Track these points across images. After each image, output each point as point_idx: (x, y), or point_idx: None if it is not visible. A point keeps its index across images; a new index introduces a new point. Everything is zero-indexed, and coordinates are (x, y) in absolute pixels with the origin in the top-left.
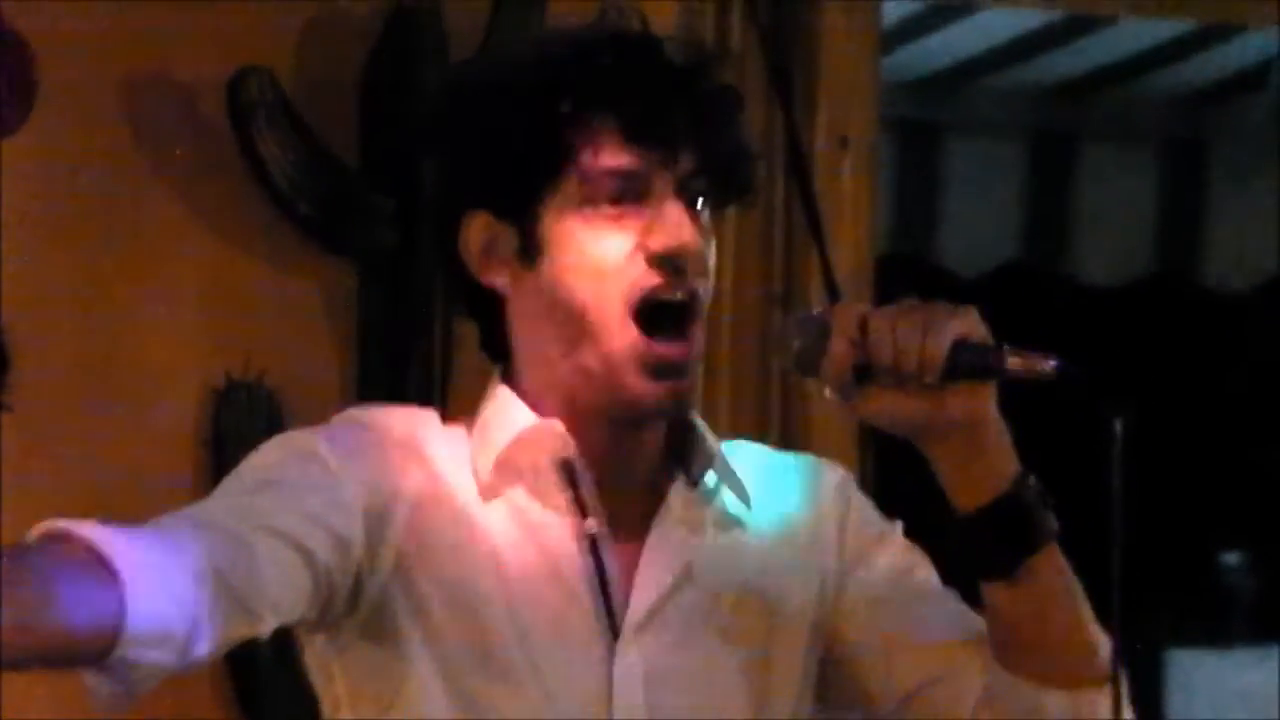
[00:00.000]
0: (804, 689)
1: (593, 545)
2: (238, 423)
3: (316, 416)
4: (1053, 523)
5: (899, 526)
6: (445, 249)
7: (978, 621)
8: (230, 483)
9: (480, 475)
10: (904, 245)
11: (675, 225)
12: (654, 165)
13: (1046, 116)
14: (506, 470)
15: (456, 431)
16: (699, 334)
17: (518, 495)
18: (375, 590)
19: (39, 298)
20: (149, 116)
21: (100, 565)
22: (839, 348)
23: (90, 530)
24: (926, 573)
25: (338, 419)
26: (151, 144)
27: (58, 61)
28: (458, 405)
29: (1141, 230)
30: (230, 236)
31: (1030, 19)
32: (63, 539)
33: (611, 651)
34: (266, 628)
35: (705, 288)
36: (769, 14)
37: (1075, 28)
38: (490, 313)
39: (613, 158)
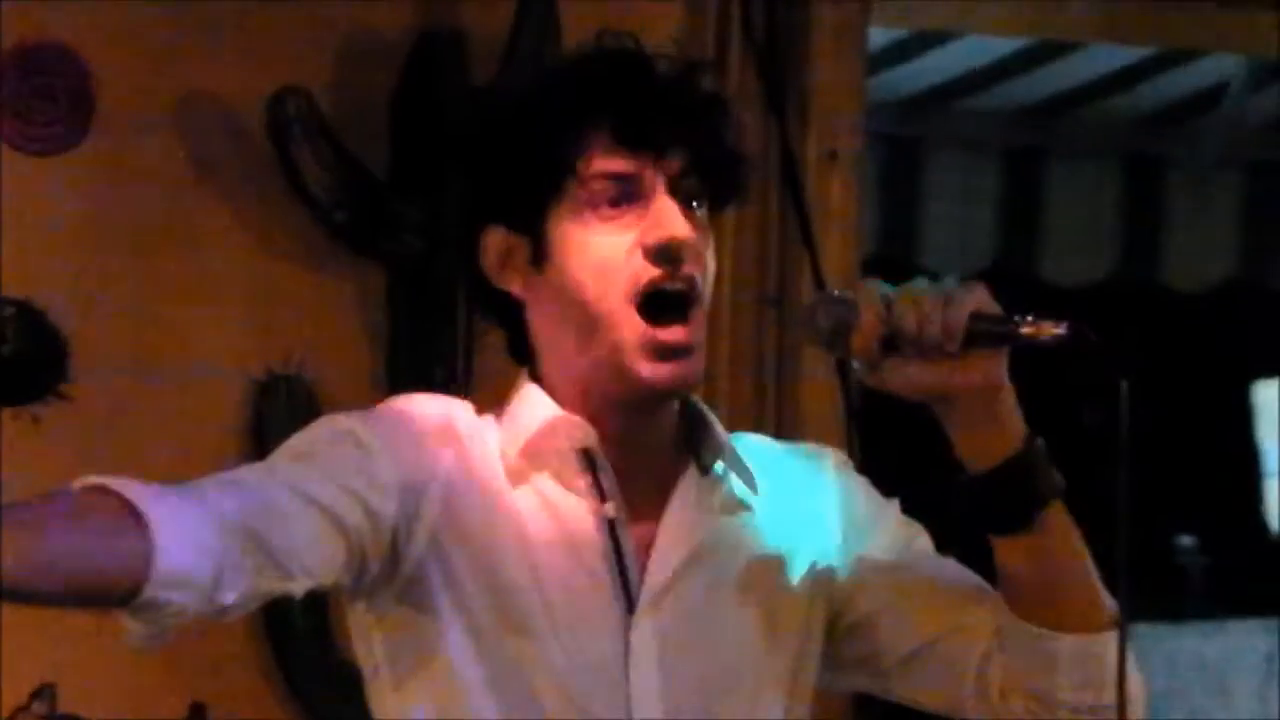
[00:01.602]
0: (806, 658)
1: (611, 527)
2: (277, 412)
3: (350, 406)
4: (1060, 479)
5: (896, 503)
6: (468, 263)
7: (979, 581)
8: (272, 457)
9: (508, 461)
10: (888, 250)
11: (668, 220)
12: (646, 167)
13: (1018, 134)
14: (532, 457)
15: (487, 420)
16: (700, 320)
17: (542, 480)
18: (411, 562)
19: (95, 297)
20: (196, 132)
21: (131, 513)
22: (869, 321)
23: (123, 483)
24: (925, 542)
25: (381, 406)
26: (198, 157)
27: (113, 83)
28: (481, 397)
29: (1105, 237)
30: (270, 242)
31: (1004, 46)
32: (99, 490)
33: (627, 623)
34: (299, 586)
35: (703, 277)
36: (765, 39)
37: (1045, 53)
38: (512, 318)
39: (606, 163)
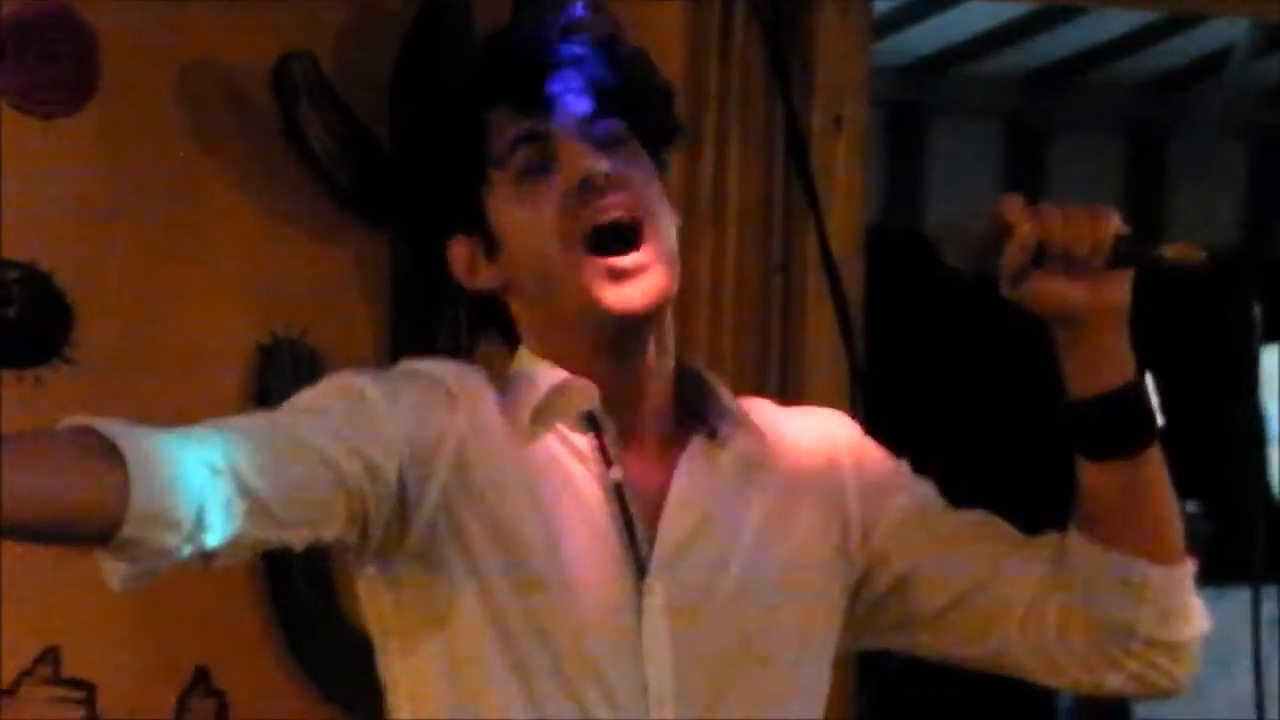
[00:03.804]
0: (822, 620)
1: (618, 491)
2: (281, 378)
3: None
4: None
5: (905, 462)
6: (446, 280)
7: (1009, 527)
8: (280, 408)
9: (518, 424)
10: (892, 216)
11: (577, 158)
12: (551, 126)
13: (1022, 99)
14: (540, 421)
15: (489, 383)
16: (655, 243)
17: (550, 443)
18: (423, 522)
19: (98, 263)
20: (199, 97)
21: (111, 453)
22: (1024, 230)
23: (106, 423)
24: (938, 496)
25: (396, 366)
26: (202, 122)
27: (117, 47)
28: (485, 363)
29: (1111, 204)
30: (274, 207)
31: (1007, 10)
32: (81, 429)
33: (639, 589)
34: (294, 537)
35: (642, 205)
36: (769, 7)
37: (1049, 18)
38: (500, 313)
39: (510, 131)
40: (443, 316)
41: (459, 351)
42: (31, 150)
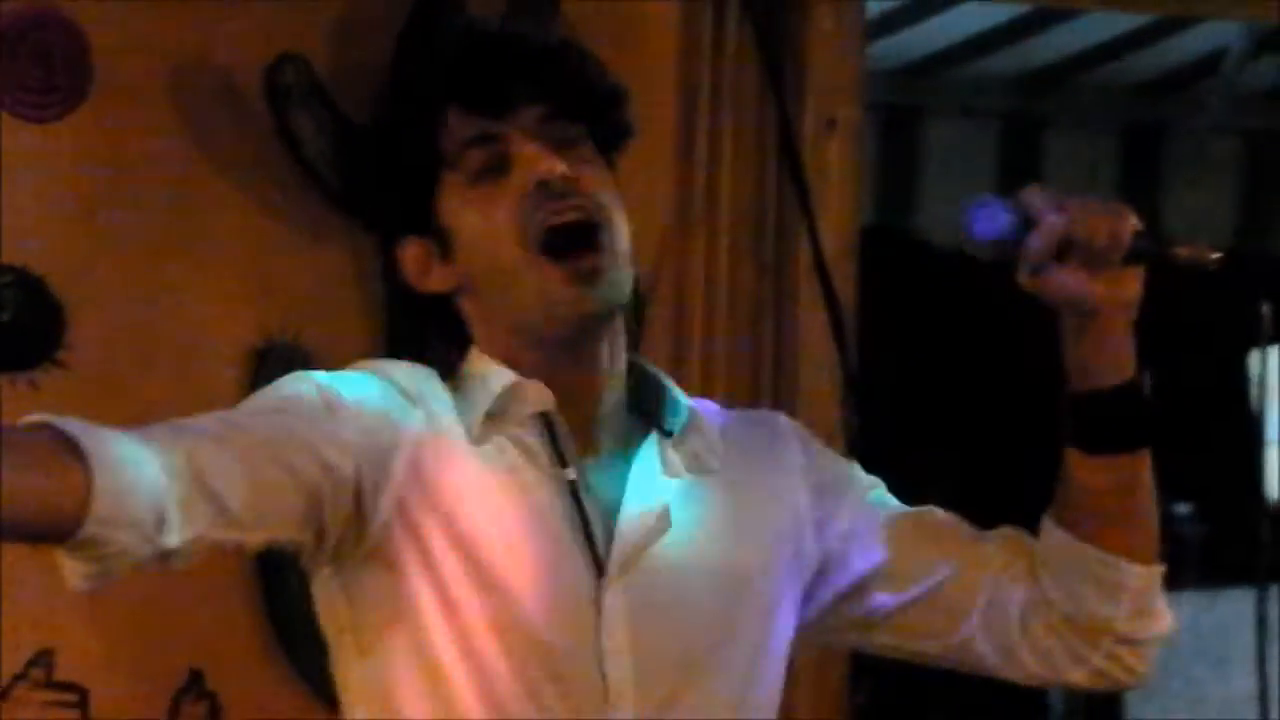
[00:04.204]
0: (780, 616)
1: (573, 491)
2: (275, 379)
3: None
4: None
5: (855, 463)
6: (396, 282)
7: (968, 525)
8: (235, 408)
9: (470, 426)
10: (886, 218)
11: (534, 161)
12: (503, 126)
13: (1016, 101)
14: (495, 421)
15: (442, 384)
16: (611, 244)
17: (504, 444)
18: (378, 524)
19: (91, 264)
20: (193, 98)
21: (72, 451)
22: (1052, 222)
23: (67, 422)
24: (891, 497)
25: (350, 367)
26: (195, 123)
27: (110, 48)
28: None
29: None
30: (267, 208)
31: (1001, 12)
32: (41, 426)
33: (597, 590)
34: (253, 537)
35: (598, 206)
36: (763, 11)
37: (1043, 20)
38: (447, 315)
39: (462, 133)
40: (434, 320)
41: (452, 353)
42: (25, 153)
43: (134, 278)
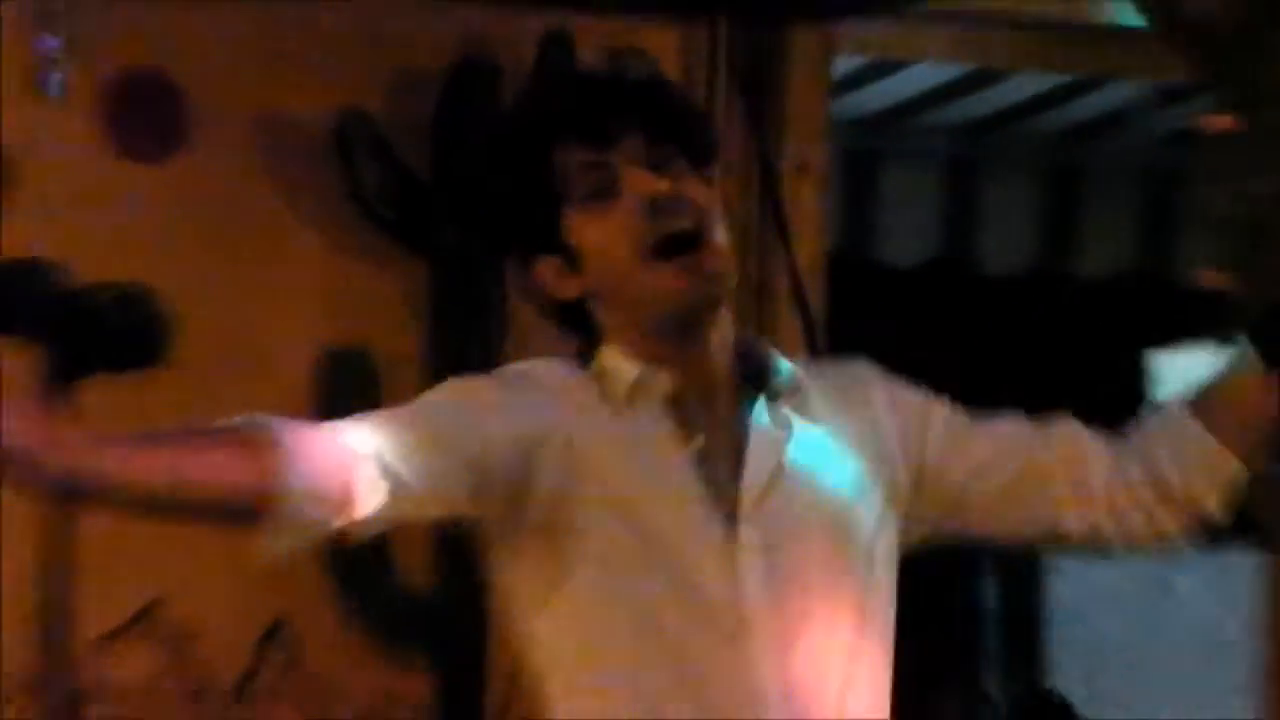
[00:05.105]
0: (885, 537)
1: (701, 458)
2: (341, 382)
3: (402, 376)
4: None
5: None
6: (534, 296)
7: (1029, 422)
8: (406, 406)
9: (611, 410)
10: (850, 246)
11: (639, 182)
12: (612, 154)
13: (958, 147)
14: (631, 404)
15: (584, 376)
16: (715, 247)
17: (640, 424)
18: (539, 499)
19: (189, 285)
20: (272, 143)
21: (268, 440)
22: None
23: (262, 417)
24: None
25: (500, 370)
26: (275, 165)
27: (203, 103)
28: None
29: (1030, 234)
30: (334, 238)
31: (946, 72)
32: (237, 424)
33: (731, 533)
34: (427, 512)
35: (705, 216)
36: (746, 67)
37: (980, 79)
38: (581, 318)
39: (578, 161)
40: (476, 331)
41: (491, 359)
42: (136, 188)
43: (223, 296)
